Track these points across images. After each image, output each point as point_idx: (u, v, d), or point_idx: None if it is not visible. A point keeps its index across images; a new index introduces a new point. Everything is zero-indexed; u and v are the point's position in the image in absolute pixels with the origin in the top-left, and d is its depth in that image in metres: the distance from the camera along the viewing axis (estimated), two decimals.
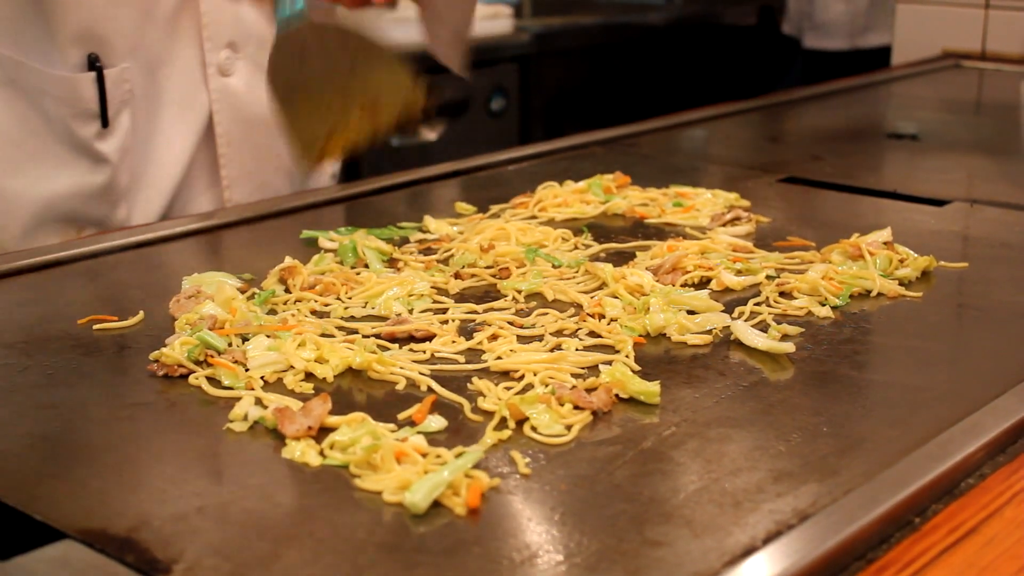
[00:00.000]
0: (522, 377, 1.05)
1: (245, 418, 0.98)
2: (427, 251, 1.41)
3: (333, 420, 0.96)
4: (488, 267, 1.33)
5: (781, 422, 0.98)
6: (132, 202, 1.59)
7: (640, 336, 1.15)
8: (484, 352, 1.11)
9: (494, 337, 1.14)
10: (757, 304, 1.23)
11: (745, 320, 1.18)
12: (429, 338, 1.14)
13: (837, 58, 3.74)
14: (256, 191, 1.68)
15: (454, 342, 1.13)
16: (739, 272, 1.30)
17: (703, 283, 1.29)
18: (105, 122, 1.50)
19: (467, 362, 1.09)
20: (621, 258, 1.38)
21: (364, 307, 1.22)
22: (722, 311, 1.19)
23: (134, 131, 1.54)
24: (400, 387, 1.04)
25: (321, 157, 1.38)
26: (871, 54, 3.57)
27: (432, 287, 1.27)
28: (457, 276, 1.31)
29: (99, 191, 1.55)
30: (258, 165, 1.67)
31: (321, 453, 0.92)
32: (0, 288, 1.30)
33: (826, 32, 3.81)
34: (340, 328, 1.17)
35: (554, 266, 1.33)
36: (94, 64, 1.49)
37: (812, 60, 3.88)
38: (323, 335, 1.14)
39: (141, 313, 1.20)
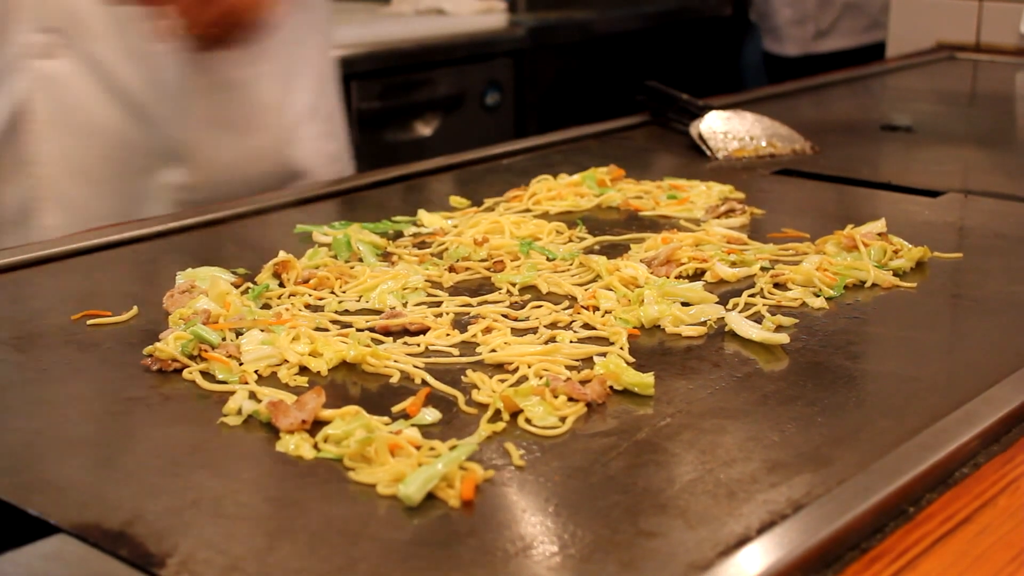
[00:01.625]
0: (516, 369, 1.05)
1: (239, 412, 0.97)
2: (421, 245, 1.41)
3: (327, 413, 0.95)
4: (482, 260, 1.33)
5: (775, 413, 0.98)
6: None
7: (634, 328, 1.15)
8: (478, 345, 1.11)
9: (488, 330, 1.14)
10: (751, 295, 1.23)
11: (739, 311, 1.18)
12: (423, 331, 1.14)
13: (792, 63, 3.73)
14: (74, 171, 1.66)
15: (448, 335, 1.13)
16: (733, 264, 1.30)
17: (697, 275, 1.29)
18: None
19: (461, 355, 1.09)
20: (615, 251, 1.38)
21: (358, 301, 1.22)
22: (716, 303, 1.19)
23: None
24: (394, 380, 1.04)
25: None
26: (827, 59, 3.55)
27: (426, 280, 1.27)
28: (451, 269, 1.30)
29: None
30: (77, 148, 1.65)
31: (315, 446, 0.92)
32: None
33: (778, 37, 3.79)
34: (334, 322, 1.16)
35: (548, 259, 1.33)
36: None
37: (770, 63, 3.88)
38: (317, 329, 1.13)
39: (135, 308, 1.19)
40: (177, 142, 1.70)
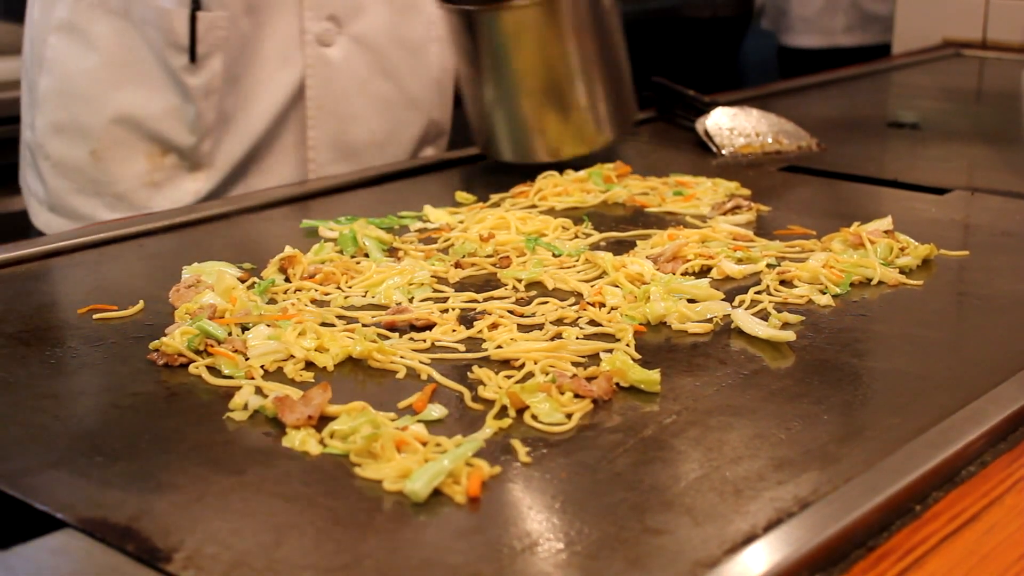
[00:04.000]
0: (523, 366, 1.05)
1: (245, 407, 0.97)
2: (427, 240, 1.41)
3: (333, 409, 0.95)
4: (488, 256, 1.33)
5: (782, 410, 0.98)
6: (218, 138, 1.70)
7: (640, 324, 1.15)
8: (484, 341, 1.11)
9: (494, 326, 1.14)
10: (758, 292, 1.23)
11: (746, 308, 1.18)
12: (429, 327, 1.14)
13: (813, 56, 3.71)
14: (340, 157, 1.77)
15: (454, 331, 1.13)
16: (740, 261, 1.30)
17: (704, 272, 1.29)
18: (193, 58, 1.64)
19: (467, 351, 1.09)
20: (621, 247, 1.38)
21: (364, 296, 1.22)
22: (723, 299, 1.19)
23: (224, 75, 1.67)
24: (400, 376, 1.04)
25: None
26: (847, 53, 3.54)
27: (432, 276, 1.27)
28: (457, 265, 1.30)
29: (186, 120, 1.68)
30: (345, 133, 1.76)
31: (321, 442, 0.92)
32: (0, 277, 1.30)
33: (802, 29, 3.77)
34: (340, 317, 1.16)
35: (554, 255, 1.33)
36: (193, 5, 1.63)
37: (786, 58, 3.86)
38: (323, 324, 1.13)
39: (141, 302, 1.19)
40: (439, 125, 1.85)
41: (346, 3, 1.71)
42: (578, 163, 1.68)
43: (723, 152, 1.84)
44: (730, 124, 1.89)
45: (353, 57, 1.74)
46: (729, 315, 1.16)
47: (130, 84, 1.68)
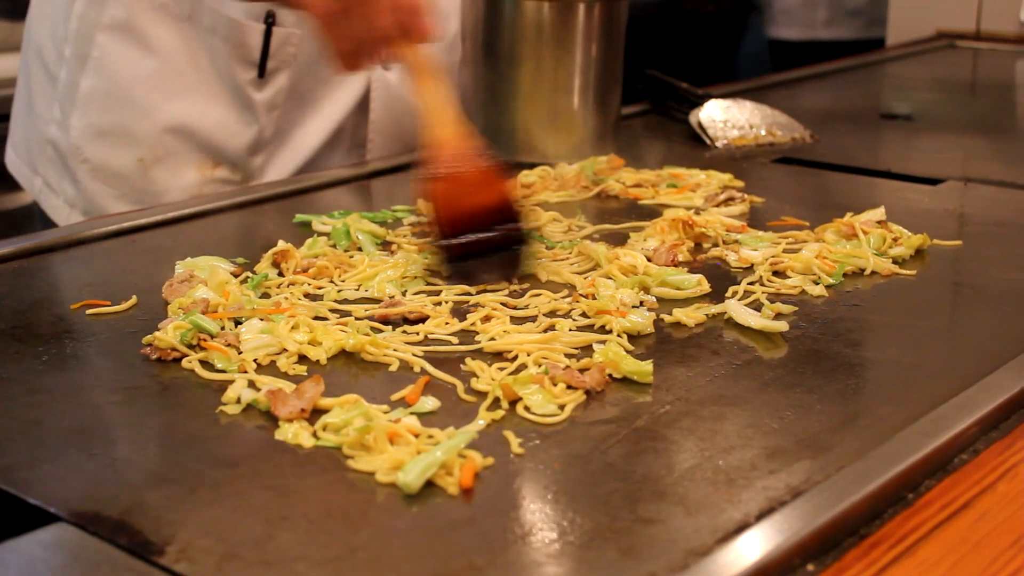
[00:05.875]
0: (515, 358, 1.05)
1: (238, 401, 0.97)
2: (421, 234, 1.40)
3: (326, 402, 0.95)
4: None
5: (774, 400, 0.98)
6: (270, 154, 1.69)
7: None
8: (477, 333, 1.11)
9: (487, 318, 1.14)
10: (751, 283, 1.23)
11: (739, 299, 1.18)
12: (422, 320, 1.14)
13: (796, 49, 3.71)
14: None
15: (447, 323, 1.13)
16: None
17: (698, 265, 1.29)
18: (261, 73, 1.61)
19: (460, 343, 1.09)
20: (615, 239, 1.38)
21: (357, 290, 1.22)
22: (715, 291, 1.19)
23: (289, 93, 1.65)
24: (393, 368, 1.04)
25: None
26: (831, 47, 3.54)
27: (425, 269, 1.27)
28: None
29: (243, 133, 1.65)
30: (400, 145, 1.77)
31: (314, 435, 0.92)
32: None
33: (786, 20, 3.77)
34: (333, 311, 1.16)
35: (547, 247, 1.33)
36: (267, 20, 1.60)
37: (774, 50, 3.86)
38: (316, 318, 1.13)
39: (134, 298, 1.19)
40: None
41: None
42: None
43: (716, 144, 1.85)
44: (723, 116, 1.89)
45: (405, 78, 1.73)
46: (722, 306, 1.16)
47: (188, 93, 1.62)
